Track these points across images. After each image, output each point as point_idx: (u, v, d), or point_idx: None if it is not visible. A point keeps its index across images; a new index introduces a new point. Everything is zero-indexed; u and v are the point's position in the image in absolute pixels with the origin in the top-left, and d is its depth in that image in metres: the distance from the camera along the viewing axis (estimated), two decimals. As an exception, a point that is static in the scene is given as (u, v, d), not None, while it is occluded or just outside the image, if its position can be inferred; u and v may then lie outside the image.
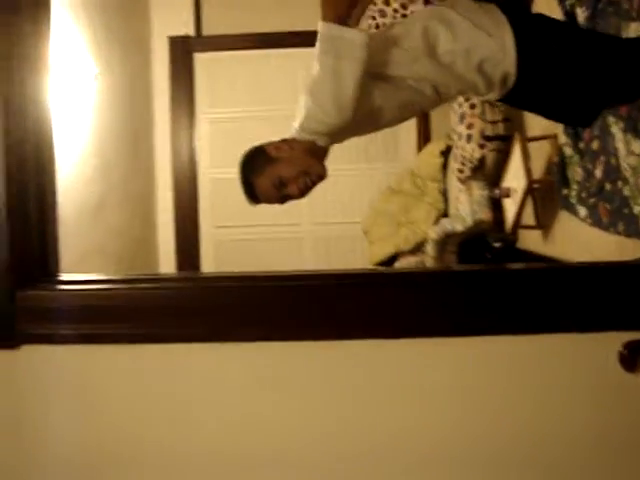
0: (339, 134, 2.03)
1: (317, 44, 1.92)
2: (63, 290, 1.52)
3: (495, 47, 2.00)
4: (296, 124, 2.01)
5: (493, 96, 2.13)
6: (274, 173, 1.98)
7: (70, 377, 1.53)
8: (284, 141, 2.04)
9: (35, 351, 1.51)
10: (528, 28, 2.06)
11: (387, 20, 4.99)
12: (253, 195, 2.05)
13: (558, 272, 1.60)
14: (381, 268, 5.51)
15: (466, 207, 5.22)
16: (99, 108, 4.60)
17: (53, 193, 1.61)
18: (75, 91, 4.17)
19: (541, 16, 2.20)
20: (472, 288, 1.48)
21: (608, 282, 1.49)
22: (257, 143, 2.09)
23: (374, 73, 1.97)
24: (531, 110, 2.52)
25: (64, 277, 1.57)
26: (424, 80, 2.02)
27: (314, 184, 2.03)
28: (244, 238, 6.27)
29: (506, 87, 2.05)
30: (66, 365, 1.53)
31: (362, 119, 2.00)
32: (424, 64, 2.00)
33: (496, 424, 1.48)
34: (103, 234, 4.59)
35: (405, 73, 2.01)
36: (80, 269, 3.87)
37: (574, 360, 1.46)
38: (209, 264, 6.24)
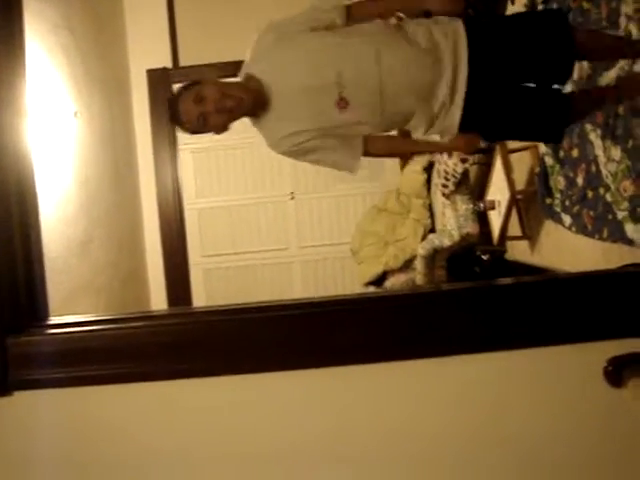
0: None
1: None
2: (53, 334, 1.51)
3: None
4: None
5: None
6: (195, 90, 2.17)
7: (65, 420, 1.52)
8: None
9: (28, 396, 1.50)
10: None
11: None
12: (177, 117, 2.21)
13: (544, 284, 1.60)
14: (370, 292, 5.51)
15: (452, 222, 5.24)
16: (80, 146, 4.60)
17: (38, 236, 1.61)
18: (55, 130, 4.17)
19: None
20: (458, 307, 1.48)
21: (596, 291, 1.50)
22: None
23: None
24: (503, 137, 2.71)
25: (53, 321, 1.57)
26: None
27: (232, 109, 2.15)
28: (233, 265, 6.26)
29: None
30: (60, 409, 1.52)
31: None
32: None
33: (489, 437, 1.48)
34: (91, 270, 4.56)
35: None
36: (70, 307, 3.85)
37: (563, 372, 1.46)
38: (199, 293, 6.23)
